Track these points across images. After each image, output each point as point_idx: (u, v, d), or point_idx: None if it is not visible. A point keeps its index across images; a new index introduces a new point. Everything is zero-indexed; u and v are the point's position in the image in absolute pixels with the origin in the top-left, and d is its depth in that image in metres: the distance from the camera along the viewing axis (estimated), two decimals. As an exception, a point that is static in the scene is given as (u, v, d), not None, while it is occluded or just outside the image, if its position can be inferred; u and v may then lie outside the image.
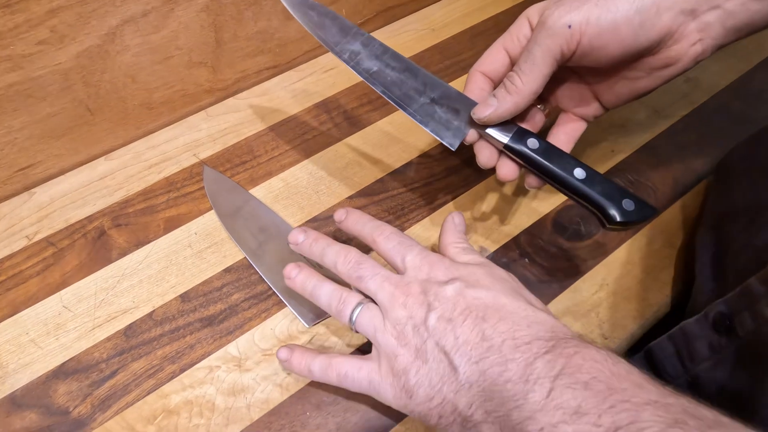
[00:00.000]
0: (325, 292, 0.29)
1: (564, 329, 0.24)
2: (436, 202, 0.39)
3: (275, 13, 0.44)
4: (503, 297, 0.26)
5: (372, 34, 0.51)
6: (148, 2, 0.36)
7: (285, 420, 0.30)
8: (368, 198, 0.40)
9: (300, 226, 0.37)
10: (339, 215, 0.32)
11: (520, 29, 0.30)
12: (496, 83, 0.32)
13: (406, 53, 0.50)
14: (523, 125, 0.31)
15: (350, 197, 0.40)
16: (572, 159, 0.30)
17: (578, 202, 0.30)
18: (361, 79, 0.33)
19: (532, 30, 0.29)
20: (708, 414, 0.19)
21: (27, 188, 0.40)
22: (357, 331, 0.28)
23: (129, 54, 0.38)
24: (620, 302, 0.34)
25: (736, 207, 0.34)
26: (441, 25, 0.53)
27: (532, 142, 0.30)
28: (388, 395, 0.26)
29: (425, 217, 0.39)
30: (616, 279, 0.35)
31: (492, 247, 0.37)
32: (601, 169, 0.41)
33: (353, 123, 0.44)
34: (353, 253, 0.29)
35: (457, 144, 0.31)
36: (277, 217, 0.38)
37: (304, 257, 0.32)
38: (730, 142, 0.42)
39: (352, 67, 0.33)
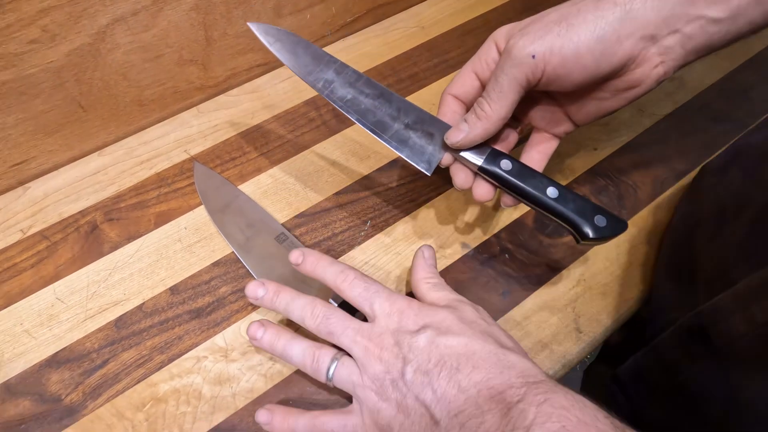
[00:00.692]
0: (296, 352, 0.29)
1: (533, 370, 0.25)
2: (420, 198, 0.40)
3: (264, 11, 0.44)
4: (474, 343, 0.26)
5: (362, 31, 0.52)
6: (137, 1, 0.37)
7: (268, 409, 0.31)
8: (354, 194, 0.41)
9: (259, 281, 0.32)
10: (295, 258, 0.31)
11: (488, 53, 0.31)
12: (468, 105, 0.33)
13: (396, 51, 0.51)
14: (497, 145, 0.32)
15: (337, 193, 0.41)
16: (545, 178, 0.31)
17: (552, 220, 0.31)
18: None
19: (500, 54, 0.30)
20: None
21: (21, 183, 0.41)
22: (335, 386, 0.29)
23: (120, 52, 0.39)
24: (596, 298, 0.35)
25: (703, 215, 0.34)
26: (430, 23, 0.53)
27: (506, 164, 0.31)
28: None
29: (409, 212, 0.39)
30: (593, 275, 0.36)
31: (473, 243, 0.38)
32: (584, 166, 0.42)
33: (342, 120, 0.45)
34: (319, 306, 0.29)
35: (432, 169, 0.32)
36: (265, 213, 0.39)
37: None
38: (712, 142, 0.43)
39: (326, 96, 0.33)
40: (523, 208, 0.39)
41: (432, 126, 0.32)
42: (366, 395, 0.27)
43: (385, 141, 0.32)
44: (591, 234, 0.29)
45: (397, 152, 0.32)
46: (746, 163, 0.34)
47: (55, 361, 0.33)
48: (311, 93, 0.47)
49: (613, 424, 0.22)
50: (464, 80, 0.32)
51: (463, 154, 0.31)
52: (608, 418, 0.22)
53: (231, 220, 0.38)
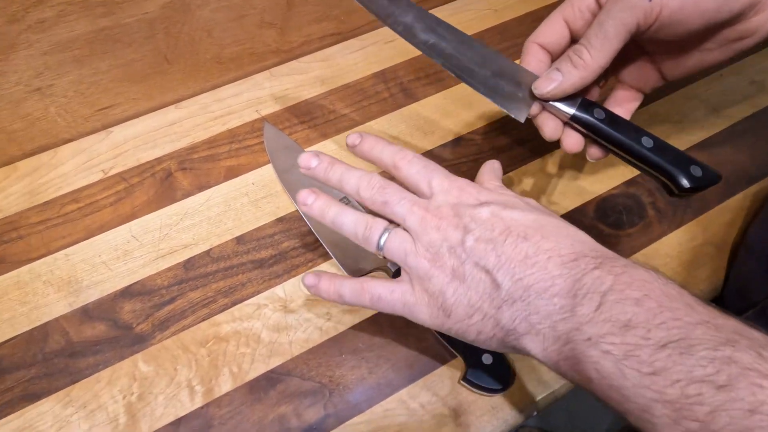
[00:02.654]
0: (348, 219, 0.28)
1: (609, 251, 0.24)
2: (481, 177, 0.41)
3: (345, -19, 0.45)
4: (543, 217, 0.25)
5: (434, 9, 0.52)
6: (230, -39, 0.39)
7: (322, 359, 0.33)
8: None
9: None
10: (352, 139, 0.29)
11: (582, 0, 0.29)
12: (555, 56, 0.31)
13: (467, 32, 0.50)
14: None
15: (399, 165, 0.41)
16: (639, 128, 0.30)
17: (646, 171, 0.30)
18: (420, 53, 0.33)
19: (596, 1, 0.29)
20: (758, 335, 0.19)
21: (105, 127, 0.44)
22: (385, 257, 0.28)
23: (208, 9, 0.40)
24: (653, 292, 0.35)
25: None
26: (503, 7, 0.53)
27: (599, 113, 0.30)
28: (424, 315, 0.26)
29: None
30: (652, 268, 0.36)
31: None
32: (651, 162, 0.41)
33: (409, 95, 0.46)
34: (376, 177, 0.28)
35: (524, 117, 0.31)
36: None
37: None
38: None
39: (408, 40, 0.32)
40: (586, 197, 0.39)
41: (519, 74, 0.31)
42: (417, 263, 0.26)
43: (473, 87, 0.31)
44: (687, 183, 0.29)
45: (488, 98, 0.31)
46: None
47: (128, 293, 0.35)
48: (380, 65, 0.48)
49: (699, 302, 0.21)
50: (553, 28, 0.30)
51: (554, 103, 0.30)
52: (693, 296, 0.21)
53: (297, 180, 0.40)
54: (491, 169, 0.31)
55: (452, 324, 0.25)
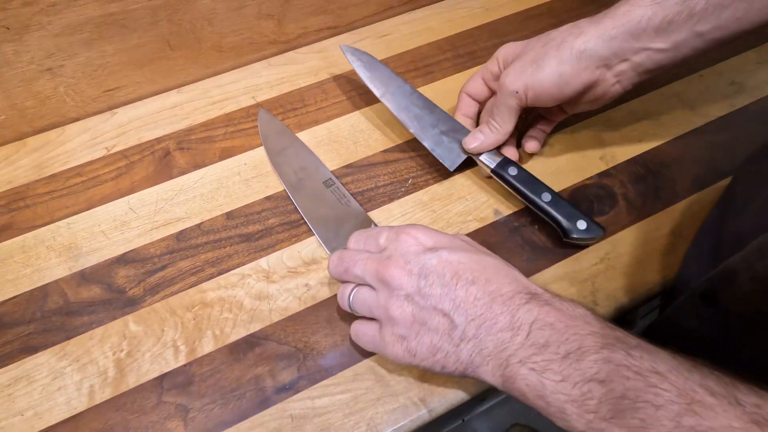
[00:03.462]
0: (338, 294, 0.33)
1: (533, 285, 0.29)
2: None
3: (341, -23, 0.48)
4: (482, 258, 0.30)
5: (428, 6, 0.55)
6: (230, -46, 0.41)
7: (299, 326, 0.35)
8: (401, 153, 0.43)
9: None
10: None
11: (492, 67, 0.40)
12: (479, 102, 0.42)
13: (458, 29, 0.53)
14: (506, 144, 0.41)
15: (385, 151, 0.44)
16: (542, 185, 0.38)
17: (544, 218, 0.37)
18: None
19: (500, 69, 0.40)
20: (632, 340, 0.25)
21: (110, 108, 0.47)
22: (357, 313, 0.32)
23: (209, -1, 0.43)
24: (617, 276, 0.37)
25: (735, 195, 0.35)
26: (495, 6, 0.55)
27: (512, 170, 0.38)
28: (393, 356, 0.30)
29: (448, 177, 0.42)
30: (618, 255, 0.37)
31: (506, 211, 0.40)
32: (625, 155, 0.43)
33: (397, 86, 0.48)
34: (335, 255, 0.33)
35: (454, 167, 0.41)
36: (317, 161, 0.42)
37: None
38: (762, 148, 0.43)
39: (386, 102, 0.42)
40: (562, 185, 0.41)
41: (460, 134, 0.41)
42: (380, 312, 0.30)
43: (422, 140, 0.41)
44: (573, 233, 0.36)
45: (431, 151, 0.41)
46: None
47: (123, 260, 0.38)
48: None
49: (594, 318, 0.27)
50: (476, 84, 0.42)
51: (481, 157, 0.39)
52: (595, 316, 0.27)
53: (286, 162, 0.42)
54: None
55: (419, 362, 0.29)
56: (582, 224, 0.36)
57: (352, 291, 0.32)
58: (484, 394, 0.34)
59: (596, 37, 0.34)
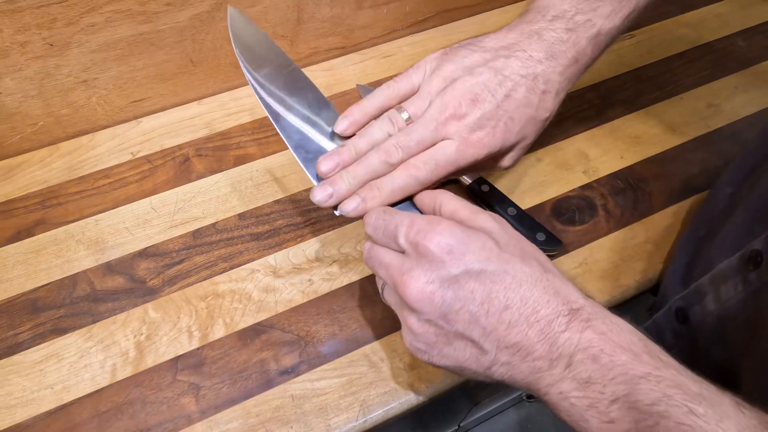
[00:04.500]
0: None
1: (575, 293, 0.26)
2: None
3: (348, 3, 0.52)
4: (519, 268, 0.26)
5: (429, 30, 0.59)
6: (250, -18, 0.46)
7: (301, 317, 0.38)
8: (399, 164, 0.47)
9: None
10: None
11: (405, 86, 0.35)
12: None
13: (456, 50, 0.57)
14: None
15: (384, 161, 0.47)
16: (510, 201, 0.42)
17: None
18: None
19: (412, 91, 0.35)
20: (692, 386, 0.22)
21: (136, 117, 0.51)
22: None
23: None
24: (594, 279, 0.40)
25: (713, 215, 0.38)
26: (492, 28, 0.59)
27: (485, 187, 0.43)
28: (415, 353, 0.28)
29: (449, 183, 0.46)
30: (596, 260, 0.41)
31: (494, 219, 0.43)
32: (607, 170, 0.46)
33: (399, 102, 0.52)
34: (366, 245, 0.31)
35: None
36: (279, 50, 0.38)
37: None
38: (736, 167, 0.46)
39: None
40: (545, 197, 0.45)
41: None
42: (404, 317, 0.28)
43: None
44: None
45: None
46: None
47: (144, 254, 0.42)
48: (376, 76, 0.54)
49: (646, 346, 0.24)
50: (379, 102, 0.36)
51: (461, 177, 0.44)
52: (642, 341, 0.25)
53: (267, 75, 0.37)
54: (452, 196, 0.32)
55: (443, 367, 0.28)
56: (541, 236, 0.40)
57: (383, 286, 0.30)
58: (477, 396, 0.37)
59: (564, 79, 0.34)
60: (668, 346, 0.34)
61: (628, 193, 0.45)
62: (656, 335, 0.36)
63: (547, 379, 0.25)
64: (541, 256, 0.28)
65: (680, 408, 0.21)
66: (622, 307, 0.40)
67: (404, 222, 0.28)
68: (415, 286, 0.26)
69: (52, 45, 0.42)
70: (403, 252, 0.28)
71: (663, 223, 0.43)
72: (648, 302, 0.43)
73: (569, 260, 0.41)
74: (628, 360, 0.23)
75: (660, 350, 0.25)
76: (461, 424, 0.86)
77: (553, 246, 0.40)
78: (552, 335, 0.25)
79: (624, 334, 0.25)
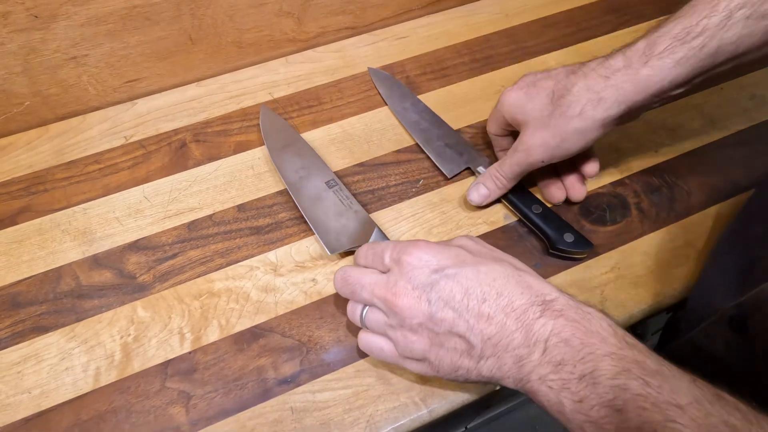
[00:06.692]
0: (347, 308, 0.33)
1: (547, 287, 0.28)
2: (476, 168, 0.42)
3: (362, -22, 0.48)
4: (492, 267, 0.29)
5: (447, 11, 0.55)
6: (254, -48, 0.42)
7: (303, 320, 0.35)
8: (413, 154, 0.44)
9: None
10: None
11: (499, 116, 0.39)
12: (506, 136, 0.41)
13: (476, 33, 0.53)
14: None
15: (397, 151, 0.44)
16: (535, 198, 0.39)
17: (533, 229, 0.38)
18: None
19: (505, 120, 0.39)
20: (652, 364, 0.24)
21: (131, 99, 0.48)
22: (370, 329, 0.31)
23: (231, -5, 0.44)
24: (627, 286, 0.36)
25: (765, 216, 0.34)
26: (515, 12, 0.55)
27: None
28: (414, 371, 0.30)
29: (460, 180, 0.42)
30: (628, 265, 0.37)
31: (514, 218, 0.40)
32: (640, 166, 0.42)
33: (414, 87, 0.48)
34: (339, 271, 0.32)
35: (452, 174, 0.42)
36: (320, 161, 0.42)
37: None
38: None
39: (400, 116, 0.46)
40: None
41: (461, 147, 0.43)
42: (395, 335, 0.30)
43: (427, 150, 0.43)
44: (559, 245, 0.36)
45: (433, 159, 0.43)
46: None
47: (135, 247, 0.39)
48: (389, 59, 0.51)
49: (615, 331, 0.26)
50: (496, 125, 0.41)
51: (478, 169, 0.42)
52: (611, 326, 0.26)
53: (288, 160, 0.42)
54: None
55: (442, 376, 0.30)
56: (569, 237, 0.36)
57: (363, 310, 0.31)
58: (489, 401, 0.34)
59: (617, 103, 0.33)
60: (715, 355, 0.31)
61: (664, 191, 0.41)
62: (697, 345, 0.32)
63: (527, 367, 0.27)
64: (516, 261, 0.31)
65: (637, 381, 0.23)
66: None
67: (389, 245, 0.32)
68: (404, 294, 0.29)
69: (36, 17, 0.39)
70: (387, 272, 0.31)
71: (704, 224, 0.39)
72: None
73: (598, 264, 0.37)
74: (596, 342, 0.25)
75: (627, 335, 0.26)
76: (468, 426, 0.83)
77: (582, 248, 0.36)
78: (528, 322, 0.27)
79: (595, 320, 0.26)
